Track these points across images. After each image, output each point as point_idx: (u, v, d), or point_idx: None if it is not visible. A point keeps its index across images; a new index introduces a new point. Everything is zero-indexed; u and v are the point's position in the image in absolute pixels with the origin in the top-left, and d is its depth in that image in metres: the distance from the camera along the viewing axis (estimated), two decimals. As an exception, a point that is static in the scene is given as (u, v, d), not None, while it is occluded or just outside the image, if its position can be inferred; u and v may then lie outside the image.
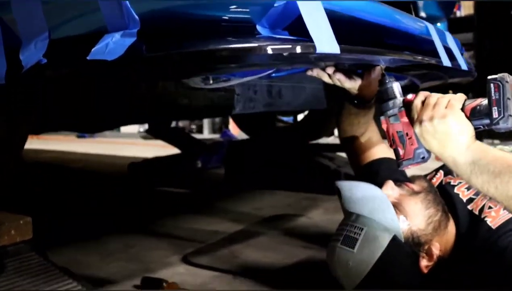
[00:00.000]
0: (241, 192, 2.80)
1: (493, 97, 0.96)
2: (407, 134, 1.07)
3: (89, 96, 1.77)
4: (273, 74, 1.31)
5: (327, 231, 1.81)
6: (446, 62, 1.22)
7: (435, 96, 1.03)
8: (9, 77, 0.90)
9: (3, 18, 0.95)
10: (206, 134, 6.53)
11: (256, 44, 0.80)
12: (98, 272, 1.49)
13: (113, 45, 0.82)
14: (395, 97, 1.09)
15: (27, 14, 0.91)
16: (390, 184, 1.27)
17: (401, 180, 1.36)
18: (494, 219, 1.21)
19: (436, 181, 1.40)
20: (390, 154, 1.57)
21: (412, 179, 1.33)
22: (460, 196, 1.31)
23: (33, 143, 5.93)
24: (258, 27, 0.85)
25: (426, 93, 1.06)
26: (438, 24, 2.01)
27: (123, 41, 0.82)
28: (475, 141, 0.99)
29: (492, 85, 0.96)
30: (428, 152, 1.06)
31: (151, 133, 3.86)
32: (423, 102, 1.04)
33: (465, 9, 4.38)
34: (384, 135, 1.21)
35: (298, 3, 0.82)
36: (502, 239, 1.15)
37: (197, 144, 3.78)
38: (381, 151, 1.53)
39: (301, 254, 1.70)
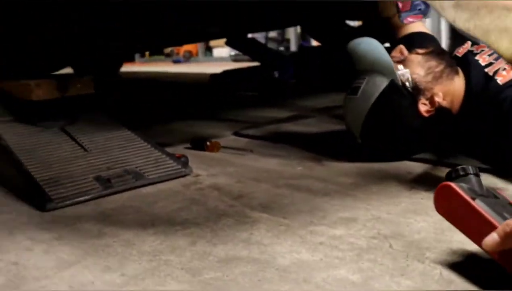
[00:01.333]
0: (308, 93, 2.96)
1: None
2: None
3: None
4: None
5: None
6: None
7: None
8: None
9: None
10: (294, 49, 6.61)
11: None
12: (156, 140, 1.74)
13: None
14: None
15: None
16: (399, 47, 1.40)
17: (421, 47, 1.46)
18: (505, 77, 1.28)
19: (462, 50, 1.49)
20: (426, 29, 1.68)
21: (426, 46, 1.43)
22: (480, 61, 1.39)
23: (132, 68, 6.43)
24: None
25: None
26: None
27: None
28: None
29: None
30: (425, 3, 1.16)
31: (229, 45, 4.06)
32: None
33: None
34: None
35: None
36: (505, 92, 1.23)
37: (275, 55, 3.94)
38: (416, 26, 1.64)
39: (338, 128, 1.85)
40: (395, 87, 1.32)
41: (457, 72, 1.36)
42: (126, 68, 5.67)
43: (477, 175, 0.73)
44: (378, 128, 1.36)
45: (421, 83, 1.33)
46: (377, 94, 1.32)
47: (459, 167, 0.73)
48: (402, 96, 1.32)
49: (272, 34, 7.30)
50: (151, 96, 3.41)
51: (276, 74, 3.74)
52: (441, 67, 1.34)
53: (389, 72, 1.32)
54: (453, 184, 0.69)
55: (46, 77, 1.43)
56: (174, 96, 3.37)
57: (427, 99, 1.33)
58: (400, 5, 1.19)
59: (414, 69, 1.35)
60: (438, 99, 1.32)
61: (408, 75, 1.33)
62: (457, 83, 1.36)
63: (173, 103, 2.98)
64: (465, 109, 1.35)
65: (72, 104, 1.42)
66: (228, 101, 2.97)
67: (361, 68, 1.39)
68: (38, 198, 1.08)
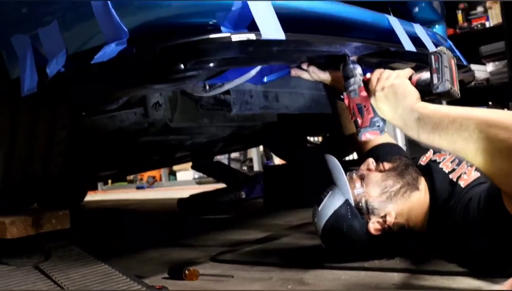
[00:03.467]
0: (277, 211, 2.98)
1: (434, 66, 1.14)
2: (364, 106, 1.25)
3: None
4: (265, 80, 1.53)
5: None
6: (408, 47, 1.39)
7: (387, 72, 1.23)
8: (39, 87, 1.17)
9: (35, 45, 1.23)
10: (257, 169, 6.73)
11: (215, 36, 1.03)
12: (133, 271, 1.69)
13: (109, 52, 1.07)
14: (354, 76, 1.27)
15: (50, 39, 1.18)
16: (368, 161, 1.50)
17: (388, 159, 1.54)
18: (466, 181, 1.35)
19: (425, 159, 1.57)
20: (389, 139, 1.78)
21: (392, 159, 1.52)
22: (444, 169, 1.46)
23: (95, 196, 6.38)
24: (222, 28, 1.08)
25: (381, 70, 1.25)
26: (436, 26, 2.14)
27: (117, 48, 1.07)
28: (420, 102, 1.15)
29: (433, 56, 1.15)
30: (383, 120, 1.24)
31: (195, 169, 4.11)
32: (378, 78, 1.23)
33: (493, 19, 4.46)
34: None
35: (249, 2, 1.04)
36: (469, 193, 1.29)
37: (240, 176, 4.00)
38: (380, 138, 1.74)
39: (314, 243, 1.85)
40: (348, 207, 1.43)
41: (417, 188, 1.44)
42: (89, 196, 5.60)
43: None
44: (333, 238, 1.48)
45: (374, 204, 1.43)
46: (332, 210, 1.45)
47: None
48: (353, 215, 1.43)
49: (235, 154, 7.47)
50: (119, 226, 3.35)
51: (244, 194, 3.78)
52: (397, 186, 1.43)
53: (344, 192, 1.44)
54: None
55: (20, 213, 1.40)
56: (143, 224, 3.33)
57: (380, 217, 1.42)
58: (360, 122, 1.26)
59: (370, 189, 1.45)
60: (389, 218, 1.41)
61: (362, 196, 1.44)
62: (416, 199, 1.43)
63: (144, 232, 2.93)
64: (433, 217, 1.40)
65: (46, 240, 1.39)
66: (198, 225, 2.95)
67: (332, 180, 1.50)
68: None
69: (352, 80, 1.27)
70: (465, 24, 4.57)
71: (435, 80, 1.13)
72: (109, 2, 1.07)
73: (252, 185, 3.75)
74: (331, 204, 1.46)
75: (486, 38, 4.40)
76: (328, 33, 1.23)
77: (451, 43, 1.91)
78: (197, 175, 7.53)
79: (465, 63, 2.14)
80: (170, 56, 1.07)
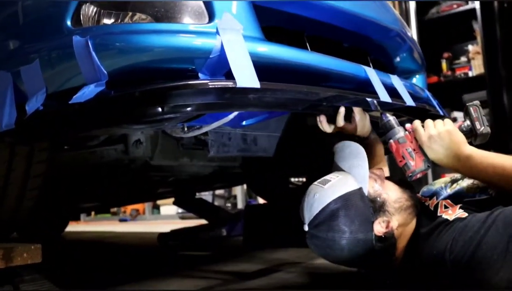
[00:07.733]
0: (256, 250, 2.97)
1: (474, 116, 1.41)
2: (414, 149, 1.40)
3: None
4: (243, 123, 1.56)
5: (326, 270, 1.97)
6: (384, 97, 1.43)
7: (430, 121, 1.40)
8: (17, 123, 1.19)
9: (16, 83, 1.26)
10: (241, 206, 6.71)
11: (192, 82, 1.06)
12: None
13: (88, 93, 1.09)
14: (396, 126, 1.44)
15: (31, 77, 1.21)
16: (385, 170, 1.58)
17: None
18: (451, 216, 1.37)
19: None
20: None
21: None
22: (430, 207, 1.48)
23: (77, 227, 6.31)
24: (200, 74, 1.11)
25: (418, 121, 1.42)
26: (417, 76, 2.19)
27: (95, 90, 1.09)
28: (468, 145, 1.37)
29: (471, 108, 1.42)
30: (430, 161, 1.40)
31: (177, 204, 4.11)
32: (422, 126, 1.40)
33: (476, 69, 4.58)
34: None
35: (226, 49, 1.08)
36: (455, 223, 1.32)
37: (222, 214, 4.00)
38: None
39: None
40: (360, 194, 1.34)
41: (416, 215, 1.42)
42: (71, 227, 5.53)
43: None
44: (330, 223, 1.32)
45: (387, 205, 1.36)
46: (342, 192, 1.33)
47: None
48: (362, 205, 1.33)
49: (219, 191, 7.44)
50: (96, 259, 3.31)
51: (225, 232, 3.77)
52: (410, 203, 1.41)
53: (362, 180, 1.36)
54: None
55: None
56: (121, 258, 3.30)
57: (383, 221, 1.35)
58: (412, 163, 1.39)
59: (388, 190, 1.40)
60: (392, 225, 1.35)
61: (381, 193, 1.38)
62: (411, 224, 1.41)
63: (120, 266, 2.90)
64: (411, 248, 1.40)
65: (17, 273, 1.38)
66: (176, 261, 2.94)
67: (338, 168, 1.43)
68: None
69: (396, 129, 1.43)
70: (449, 73, 4.69)
71: (478, 126, 1.40)
72: (90, 44, 1.10)
73: (233, 223, 3.74)
74: (342, 186, 1.35)
75: (469, 86, 4.52)
76: (305, 83, 1.26)
77: (429, 94, 1.96)
78: (180, 209, 7.47)
79: (441, 112, 2.20)
80: (148, 99, 1.10)
